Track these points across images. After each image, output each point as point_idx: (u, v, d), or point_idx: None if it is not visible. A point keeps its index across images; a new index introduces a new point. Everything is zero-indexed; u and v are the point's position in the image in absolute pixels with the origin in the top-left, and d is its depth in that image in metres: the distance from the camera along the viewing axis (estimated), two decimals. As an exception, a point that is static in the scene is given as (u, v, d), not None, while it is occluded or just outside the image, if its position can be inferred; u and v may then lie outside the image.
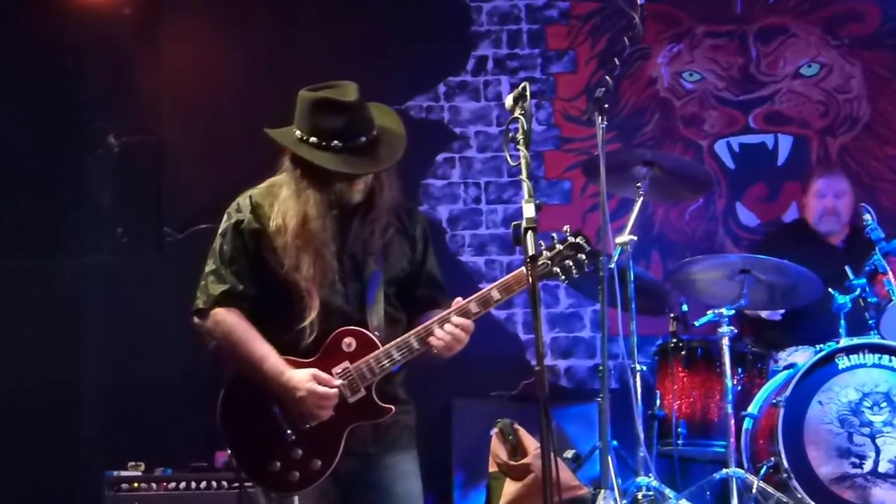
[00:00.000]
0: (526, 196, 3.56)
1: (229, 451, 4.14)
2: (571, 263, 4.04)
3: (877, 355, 5.56)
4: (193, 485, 6.26)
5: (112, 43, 7.54)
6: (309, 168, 4.01)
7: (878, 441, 5.49)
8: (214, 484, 6.26)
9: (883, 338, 5.69)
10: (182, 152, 7.55)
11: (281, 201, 4.06)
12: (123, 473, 6.31)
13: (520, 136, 3.66)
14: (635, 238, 5.57)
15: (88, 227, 7.54)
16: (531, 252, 3.48)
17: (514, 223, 3.56)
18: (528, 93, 3.72)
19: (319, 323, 4.01)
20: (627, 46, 5.52)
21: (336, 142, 3.96)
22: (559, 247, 4.04)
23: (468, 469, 6.63)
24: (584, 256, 4.05)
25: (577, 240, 4.04)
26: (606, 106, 5.30)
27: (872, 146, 7.35)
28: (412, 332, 4.03)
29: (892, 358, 5.55)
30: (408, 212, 4.24)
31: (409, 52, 7.58)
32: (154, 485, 6.27)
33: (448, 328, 3.99)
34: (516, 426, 5.66)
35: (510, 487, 5.61)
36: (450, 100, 7.57)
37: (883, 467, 5.45)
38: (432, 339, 3.99)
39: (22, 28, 7.51)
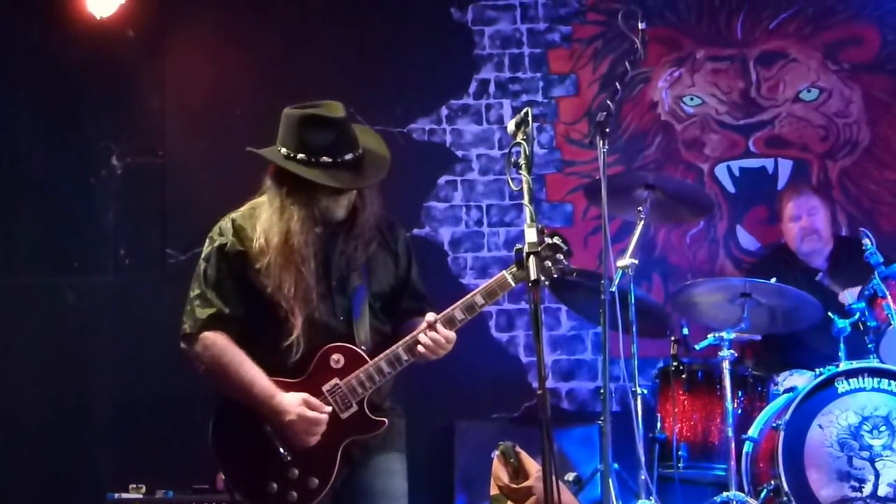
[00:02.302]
0: (528, 221, 3.59)
1: (224, 476, 4.17)
2: (550, 264, 4.11)
3: (876, 379, 5.56)
4: (195, 507, 6.27)
5: (116, 65, 7.57)
6: (295, 184, 4.06)
7: (878, 465, 5.49)
8: (216, 506, 6.27)
9: (882, 362, 5.69)
10: (186, 174, 7.56)
11: (263, 220, 4.12)
12: (125, 496, 6.32)
13: (521, 161, 3.70)
14: (636, 261, 5.59)
15: (92, 247, 7.56)
16: (533, 277, 3.51)
17: (516, 247, 3.61)
18: (530, 118, 3.76)
19: (306, 340, 4.05)
20: (629, 70, 5.53)
21: (324, 157, 4.03)
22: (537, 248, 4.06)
23: (470, 491, 6.63)
24: (562, 256, 4.12)
25: (555, 240, 4.12)
26: (608, 129, 5.32)
27: (872, 170, 7.37)
28: (400, 343, 4.08)
29: (892, 382, 5.54)
30: (389, 226, 4.30)
31: (412, 75, 7.62)
32: (155, 507, 6.29)
33: (432, 335, 4.04)
34: (518, 449, 5.66)
35: (512, 510, 5.62)
36: (452, 123, 7.59)
37: (882, 491, 5.44)
38: (419, 348, 4.05)
39: (27, 51, 7.55)
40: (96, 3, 7.36)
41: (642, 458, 5.41)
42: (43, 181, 7.54)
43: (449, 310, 4.10)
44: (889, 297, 5.68)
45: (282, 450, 4.04)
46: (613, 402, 6.64)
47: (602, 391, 5.40)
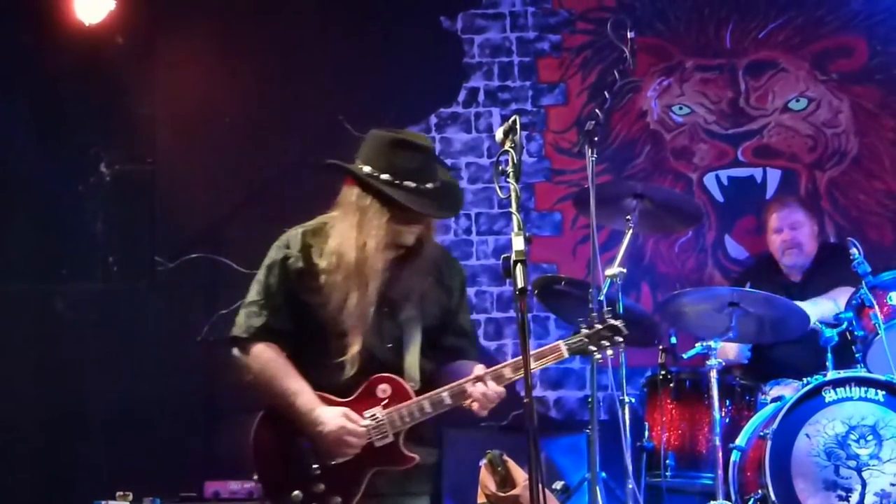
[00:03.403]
0: (515, 229, 3.60)
1: (255, 474, 4.20)
2: (607, 343, 4.22)
3: (863, 388, 5.55)
4: (182, 514, 6.28)
5: (106, 72, 7.56)
6: (376, 203, 4.09)
7: (865, 474, 5.48)
8: (203, 514, 6.27)
9: (869, 371, 5.70)
10: (175, 182, 7.56)
11: (336, 235, 4.14)
12: (111, 503, 6.30)
13: (509, 169, 3.71)
14: (625, 270, 5.58)
15: (80, 255, 7.55)
16: (520, 285, 3.52)
17: (503, 256, 3.61)
18: (518, 126, 3.76)
19: (358, 363, 4.11)
20: (618, 79, 5.53)
21: (408, 182, 4.07)
22: (598, 327, 4.21)
23: (458, 500, 6.62)
24: (620, 339, 4.22)
25: (616, 322, 4.21)
26: (597, 138, 5.33)
27: (860, 180, 7.39)
28: (446, 388, 4.14)
29: (879, 391, 5.54)
30: (447, 262, 4.38)
31: (402, 83, 7.62)
32: (142, 514, 6.28)
33: (480, 387, 4.10)
34: (505, 457, 5.65)
35: (499, 519, 5.61)
36: (441, 131, 7.60)
37: (869, 500, 5.43)
38: (471, 402, 4.11)
39: (17, 57, 7.54)
40: (85, 10, 7.35)
41: (630, 467, 5.42)
42: (31, 187, 7.53)
43: (499, 366, 4.16)
44: (876, 307, 5.69)
45: (314, 463, 4.11)
46: (601, 411, 6.63)
47: (590, 400, 5.41)
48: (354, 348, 4.09)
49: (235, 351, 4.22)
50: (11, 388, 7.26)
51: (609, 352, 4.26)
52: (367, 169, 4.12)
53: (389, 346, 4.17)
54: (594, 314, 4.26)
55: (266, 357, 4.16)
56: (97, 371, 7.36)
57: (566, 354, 4.21)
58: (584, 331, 4.22)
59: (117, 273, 7.57)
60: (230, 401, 7.27)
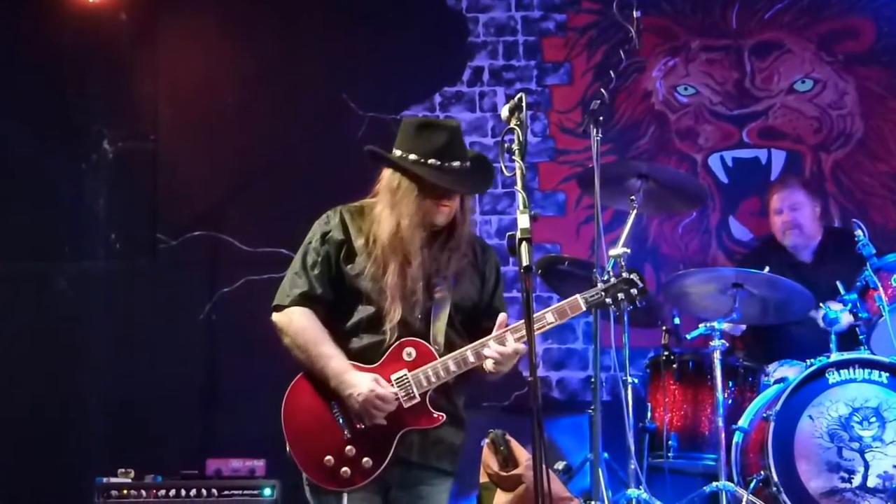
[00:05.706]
0: (521, 207, 3.59)
1: (287, 442, 4.29)
2: (623, 297, 4.33)
3: (867, 370, 5.57)
4: (183, 492, 6.29)
5: (108, 48, 7.55)
6: (406, 184, 4.23)
7: (868, 456, 5.49)
8: (204, 492, 6.28)
9: (873, 353, 5.69)
10: (177, 159, 7.55)
11: (375, 215, 4.30)
12: (113, 480, 6.32)
13: (515, 147, 3.71)
14: (629, 251, 5.55)
15: (83, 233, 7.54)
16: (525, 263, 3.52)
17: (508, 234, 3.61)
18: (524, 103, 3.76)
19: (396, 333, 4.24)
20: (623, 59, 5.52)
21: (433, 160, 4.20)
22: (613, 280, 4.35)
23: (460, 479, 6.54)
24: (635, 291, 4.34)
25: (631, 276, 4.35)
26: (601, 118, 5.31)
27: (865, 162, 7.37)
28: (469, 346, 4.24)
29: (882, 373, 5.55)
30: (482, 248, 4.49)
31: (406, 62, 7.60)
32: (144, 492, 6.29)
33: (497, 347, 4.18)
34: (508, 437, 5.66)
35: (501, 498, 5.59)
36: (445, 110, 7.57)
37: (872, 482, 5.45)
38: (487, 361, 4.19)
39: (19, 33, 7.52)
40: (90, -14, 7.34)
41: (632, 448, 5.43)
42: (34, 165, 7.51)
43: (520, 323, 4.19)
44: (881, 289, 5.68)
45: (344, 427, 4.21)
46: (604, 392, 6.62)
47: (593, 380, 5.41)
48: (394, 320, 4.21)
49: (274, 316, 4.34)
50: (13, 365, 7.26)
51: (626, 304, 4.35)
52: (397, 153, 4.26)
53: (419, 316, 4.27)
54: (611, 270, 4.43)
55: (302, 322, 4.27)
56: (99, 349, 7.35)
57: (584, 307, 4.31)
58: (600, 285, 4.33)
59: (119, 250, 7.56)
60: (232, 378, 7.29)
